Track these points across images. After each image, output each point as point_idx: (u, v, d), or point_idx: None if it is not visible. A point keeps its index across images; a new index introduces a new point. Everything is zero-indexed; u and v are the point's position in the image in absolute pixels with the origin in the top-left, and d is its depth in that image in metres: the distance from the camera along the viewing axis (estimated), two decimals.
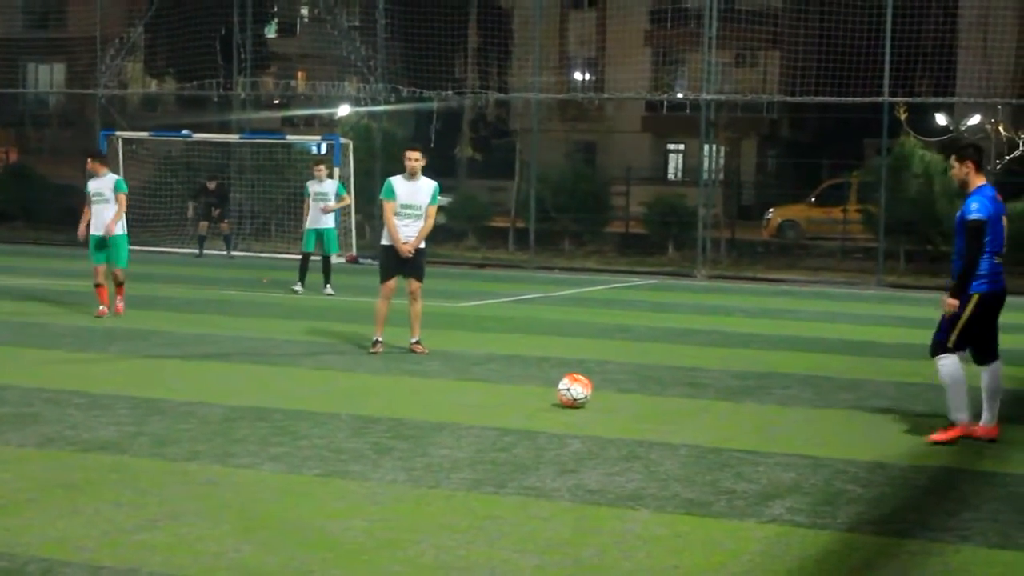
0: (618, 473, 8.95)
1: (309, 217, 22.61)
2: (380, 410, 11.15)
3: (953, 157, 10.86)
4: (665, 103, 50.94)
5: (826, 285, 28.93)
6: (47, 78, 53.58)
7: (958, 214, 10.60)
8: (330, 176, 23.12)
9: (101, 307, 18.08)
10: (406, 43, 36.14)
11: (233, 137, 35.38)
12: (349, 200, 24.65)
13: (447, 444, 9.78)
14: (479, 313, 20.48)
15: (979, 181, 10.61)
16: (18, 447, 9.33)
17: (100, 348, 14.87)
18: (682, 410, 11.76)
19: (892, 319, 21.31)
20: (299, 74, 49.62)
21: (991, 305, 10.49)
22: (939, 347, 10.57)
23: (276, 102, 44.99)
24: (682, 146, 56.79)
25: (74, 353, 14.42)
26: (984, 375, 10.65)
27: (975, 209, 10.35)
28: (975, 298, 10.41)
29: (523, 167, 36.84)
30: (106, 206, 18.15)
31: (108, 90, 37.33)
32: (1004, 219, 10.52)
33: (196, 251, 32.19)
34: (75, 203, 38.96)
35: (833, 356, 16.02)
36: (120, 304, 18.32)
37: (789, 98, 35.64)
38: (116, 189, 18.22)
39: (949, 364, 10.48)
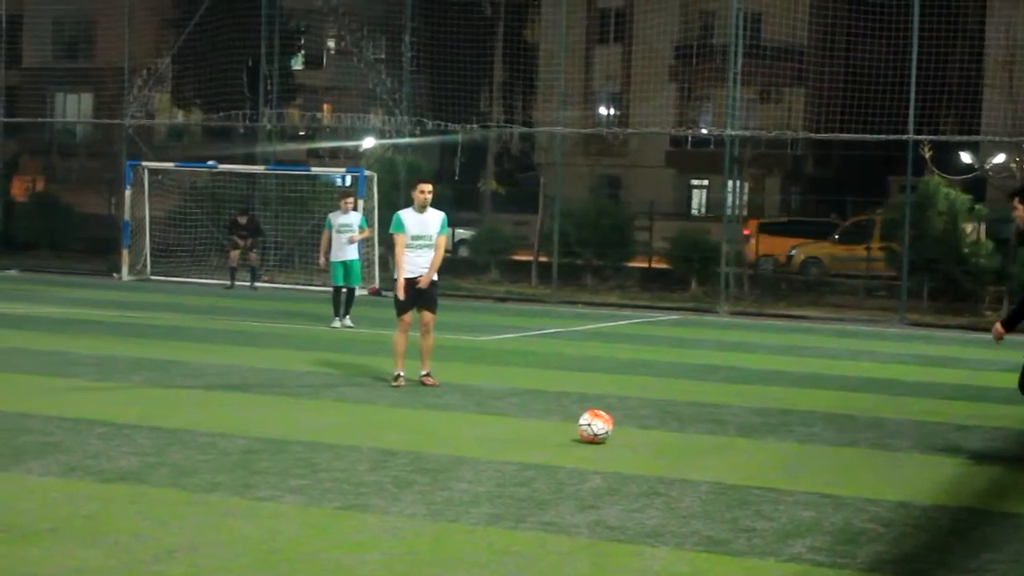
0: (638, 509, 8.93)
1: (333, 249, 22.57)
2: (400, 443, 11.14)
3: (1016, 199, 10.75)
4: (689, 138, 50.97)
5: (849, 323, 28.87)
6: (75, 108, 53.97)
7: None
8: (355, 208, 23.13)
9: None
10: (432, 76, 36.32)
11: (259, 168, 35.52)
12: (369, 232, 24.63)
13: (467, 478, 9.77)
14: (501, 347, 20.47)
15: None
16: (40, 476, 9.35)
17: (123, 377, 14.91)
18: (703, 447, 11.73)
19: (915, 357, 21.23)
20: (325, 106, 49.89)
21: None
22: None
23: (301, 134, 45.23)
24: (706, 182, 56.79)
25: (97, 382, 14.47)
26: None
27: None
28: None
29: (547, 201, 36.89)
30: None
31: (135, 120, 37.56)
32: None
33: (227, 282, 32.11)
34: (100, 233, 39.33)
35: (855, 394, 15.96)
36: None
37: (814, 135, 35.65)
38: None
39: None
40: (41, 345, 17.85)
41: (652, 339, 22.87)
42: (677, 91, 45.84)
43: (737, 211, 34.81)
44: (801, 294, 34.68)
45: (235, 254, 32.28)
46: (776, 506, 9.18)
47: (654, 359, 19.25)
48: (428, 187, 14.98)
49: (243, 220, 32.52)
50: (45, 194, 44.48)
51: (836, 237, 40.97)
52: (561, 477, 9.93)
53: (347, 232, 22.43)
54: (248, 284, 32.02)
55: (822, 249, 41.00)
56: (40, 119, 44.27)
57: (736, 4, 31.08)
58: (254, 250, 32.50)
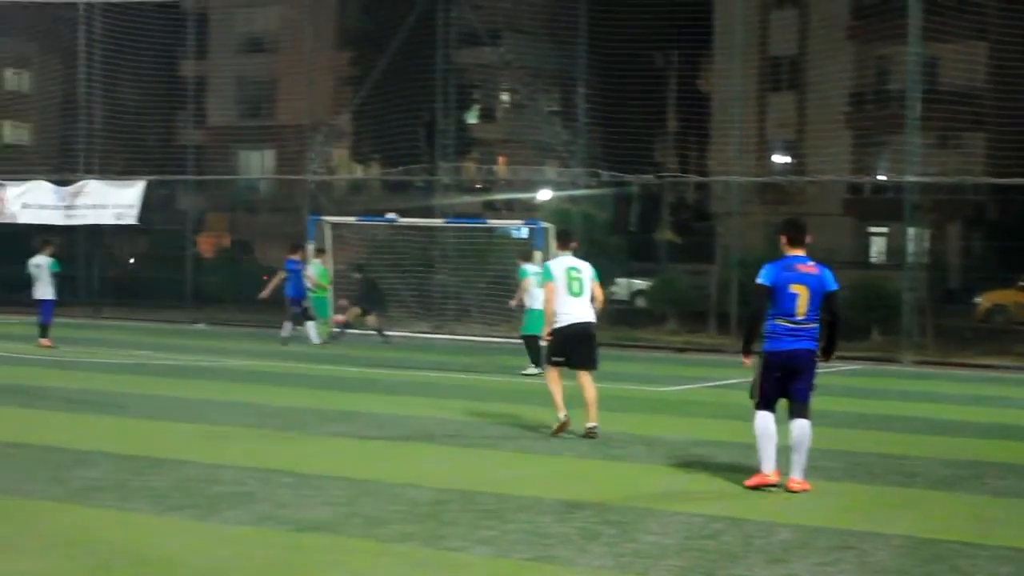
0: (829, 563, 8.79)
1: (529, 298, 22.71)
2: (585, 494, 11.14)
3: None
4: (867, 185, 50.28)
5: None
6: (258, 164, 55.33)
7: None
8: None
9: None
10: (606, 127, 36.44)
11: (437, 221, 35.92)
12: None
13: (654, 530, 9.73)
14: (682, 397, 20.37)
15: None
16: (235, 525, 9.57)
17: (310, 428, 15.18)
18: (893, 499, 11.52)
19: None
20: (500, 159, 50.34)
21: None
22: None
23: (478, 186, 45.71)
24: (885, 229, 55.83)
25: (283, 432, 14.75)
26: None
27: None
28: None
29: (723, 250, 36.68)
30: None
31: (316, 176, 38.34)
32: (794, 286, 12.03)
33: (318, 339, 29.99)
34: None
35: None
36: None
37: (995, 180, 34.85)
38: None
39: None
40: (229, 396, 18.27)
41: (833, 388, 22.46)
42: (853, 138, 45.22)
43: (917, 258, 34.15)
44: (987, 343, 33.85)
45: (354, 311, 30.84)
46: (972, 561, 8.97)
47: (837, 409, 18.90)
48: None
49: (357, 276, 31.23)
50: (232, 249, 45.60)
51: (1022, 284, 39.95)
52: (749, 530, 9.84)
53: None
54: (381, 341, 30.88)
55: (1008, 296, 40.02)
56: (226, 176, 45.42)
57: (913, 49, 30.66)
58: (374, 312, 31.17)
